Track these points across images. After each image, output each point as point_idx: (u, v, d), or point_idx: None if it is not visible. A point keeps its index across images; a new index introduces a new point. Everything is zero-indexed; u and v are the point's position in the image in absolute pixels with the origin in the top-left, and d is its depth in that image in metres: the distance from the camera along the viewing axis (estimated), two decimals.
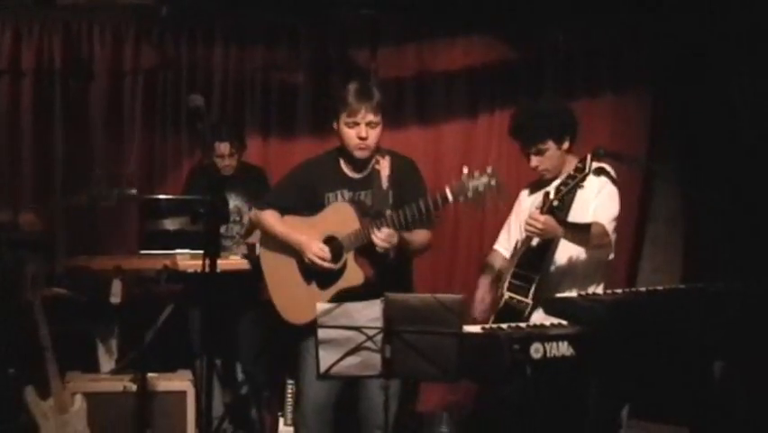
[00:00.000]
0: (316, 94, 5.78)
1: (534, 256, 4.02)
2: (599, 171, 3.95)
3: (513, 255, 4.19)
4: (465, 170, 3.77)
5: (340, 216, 3.99)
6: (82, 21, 5.62)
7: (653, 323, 3.51)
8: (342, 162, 4.11)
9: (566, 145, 4.07)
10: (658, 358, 3.60)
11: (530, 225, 3.82)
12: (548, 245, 4.00)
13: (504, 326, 3.67)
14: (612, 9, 5.66)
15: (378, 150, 4.08)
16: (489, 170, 3.76)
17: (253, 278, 4.52)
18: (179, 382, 4.76)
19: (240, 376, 5.29)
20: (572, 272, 4.02)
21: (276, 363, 5.21)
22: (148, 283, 4.88)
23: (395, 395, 3.79)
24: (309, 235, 4.02)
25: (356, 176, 4.09)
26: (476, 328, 3.67)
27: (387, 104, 4.14)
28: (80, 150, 5.67)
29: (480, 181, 3.74)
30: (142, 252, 5.01)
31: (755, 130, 5.37)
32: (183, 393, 4.72)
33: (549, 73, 5.88)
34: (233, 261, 4.87)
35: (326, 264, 3.97)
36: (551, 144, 4.04)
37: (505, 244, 4.36)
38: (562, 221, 3.85)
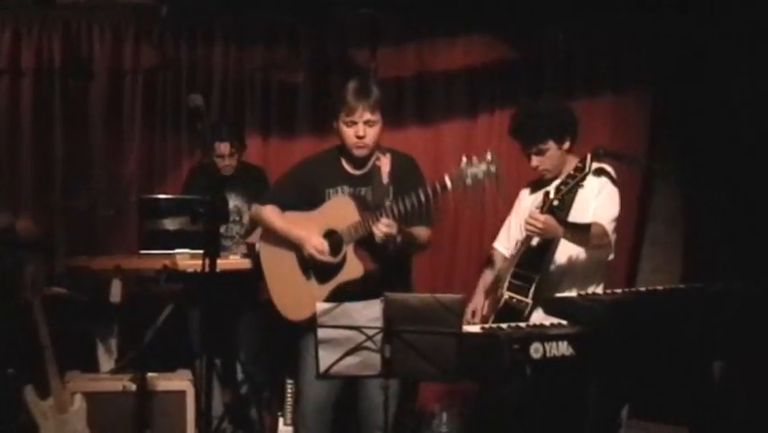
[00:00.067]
0: (316, 93, 5.78)
1: (533, 256, 4.02)
2: (600, 172, 3.95)
3: (513, 255, 4.19)
4: (464, 159, 3.78)
5: (340, 210, 4.00)
6: (82, 20, 5.62)
7: (653, 323, 3.51)
8: (342, 160, 4.12)
9: (567, 145, 4.07)
10: (658, 358, 3.60)
11: (530, 224, 3.82)
12: (548, 245, 4.00)
13: (504, 325, 3.67)
14: (612, 9, 5.67)
15: (378, 148, 4.08)
16: (488, 156, 3.78)
17: (253, 278, 4.52)
18: (179, 382, 4.75)
19: (239, 376, 5.28)
20: (572, 272, 4.02)
21: (275, 363, 5.21)
22: (147, 283, 4.88)
23: (394, 395, 3.79)
24: (309, 230, 4.02)
25: (357, 172, 4.09)
26: (476, 328, 3.68)
27: (386, 103, 4.15)
28: (80, 149, 5.67)
29: (480, 168, 3.76)
30: (142, 251, 5.01)
31: (755, 130, 5.37)
32: (182, 393, 4.71)
33: (549, 73, 5.88)
34: (232, 260, 4.87)
35: (325, 258, 3.97)
36: (551, 144, 4.04)
37: (504, 243, 4.36)
38: (562, 221, 3.85)
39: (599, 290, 4.00)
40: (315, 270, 4.06)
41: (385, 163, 4.03)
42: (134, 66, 5.68)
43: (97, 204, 5.53)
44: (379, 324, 3.33)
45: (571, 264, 4.02)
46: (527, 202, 4.23)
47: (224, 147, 5.17)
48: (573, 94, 5.72)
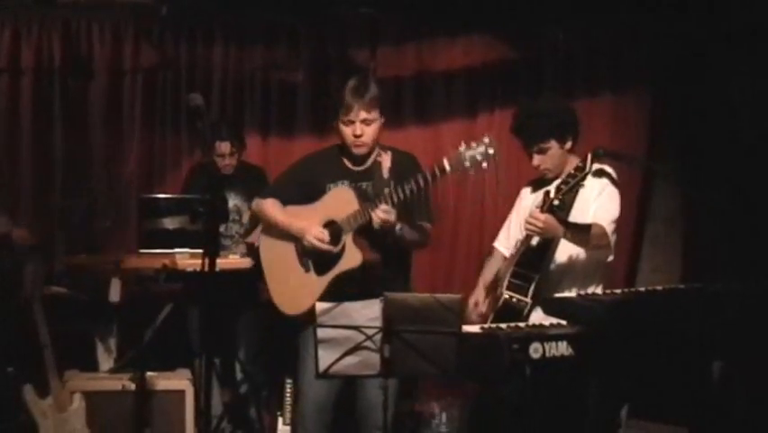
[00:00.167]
0: (316, 93, 5.79)
1: (533, 256, 4.02)
2: (601, 173, 3.95)
3: (512, 254, 4.19)
4: (462, 143, 3.81)
5: (340, 201, 4.00)
6: (81, 19, 5.63)
7: (653, 323, 3.50)
8: (343, 157, 4.13)
9: (569, 145, 4.07)
10: (657, 358, 3.59)
11: (530, 223, 3.81)
12: (548, 245, 4.00)
13: (503, 325, 3.67)
14: (612, 9, 5.67)
15: (379, 146, 4.09)
16: (486, 139, 3.81)
17: (253, 277, 4.52)
18: (178, 381, 4.74)
19: (239, 375, 5.28)
20: (572, 272, 4.02)
21: (275, 363, 5.21)
22: (147, 282, 4.89)
23: (392, 395, 3.78)
24: (310, 222, 4.03)
25: (357, 168, 4.10)
26: (475, 328, 3.67)
27: (386, 103, 4.15)
28: (80, 149, 5.68)
29: (478, 150, 3.79)
30: (142, 251, 5.01)
31: (755, 130, 5.37)
32: (182, 392, 4.71)
33: (549, 73, 5.89)
34: (232, 260, 4.88)
35: (325, 246, 3.97)
36: (553, 144, 4.04)
37: (505, 243, 4.35)
38: (563, 220, 3.84)
39: (599, 290, 3.99)
40: (314, 262, 4.06)
41: (386, 159, 4.04)
42: (134, 65, 5.69)
43: (96, 210, 5.54)
44: (379, 323, 3.33)
45: (571, 264, 4.01)
46: (528, 201, 4.22)
47: (224, 146, 5.18)
48: (573, 94, 5.72)
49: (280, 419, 4.93)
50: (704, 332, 3.59)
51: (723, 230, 5.35)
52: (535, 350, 3.38)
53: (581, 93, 5.82)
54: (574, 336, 3.46)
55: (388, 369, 3.37)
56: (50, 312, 4.55)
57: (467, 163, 3.80)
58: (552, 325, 3.63)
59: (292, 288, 4.10)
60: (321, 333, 3.36)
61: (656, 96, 5.94)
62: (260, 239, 4.28)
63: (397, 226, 3.90)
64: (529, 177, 4.34)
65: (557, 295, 3.87)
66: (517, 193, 4.39)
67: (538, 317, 3.83)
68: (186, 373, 4.85)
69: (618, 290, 3.81)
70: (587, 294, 3.84)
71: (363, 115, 3.98)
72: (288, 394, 4.85)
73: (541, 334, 3.48)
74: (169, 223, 4.98)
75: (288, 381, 4.84)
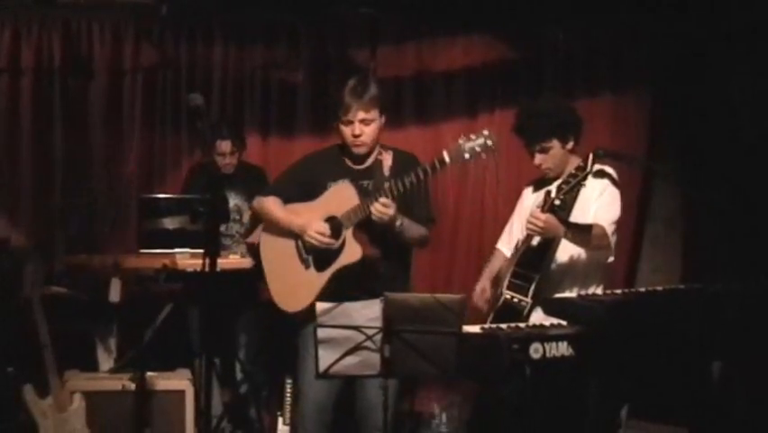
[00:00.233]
0: (316, 93, 5.79)
1: (534, 255, 4.02)
2: (602, 174, 3.95)
3: (513, 254, 4.19)
4: (462, 136, 3.83)
5: (340, 197, 4.00)
6: (81, 19, 5.63)
7: (653, 323, 3.51)
8: (344, 156, 4.13)
9: (570, 145, 4.07)
10: (657, 358, 3.60)
11: (531, 223, 3.82)
12: (549, 245, 4.00)
13: (503, 326, 3.67)
14: (612, 9, 5.67)
15: (380, 146, 4.09)
16: (485, 132, 3.84)
17: (253, 277, 4.51)
18: (178, 382, 4.74)
19: (239, 375, 5.28)
20: (573, 273, 4.02)
21: (275, 363, 5.21)
22: (147, 282, 4.89)
23: (392, 395, 3.78)
24: (310, 218, 4.03)
25: (358, 167, 4.10)
26: (475, 328, 3.67)
27: (386, 102, 4.15)
28: (80, 148, 5.67)
29: (477, 143, 3.81)
30: (142, 251, 5.01)
31: (755, 130, 5.37)
32: (182, 392, 4.71)
33: (549, 73, 5.89)
34: (232, 260, 4.88)
35: (325, 240, 3.97)
36: (555, 143, 4.04)
37: (507, 244, 4.35)
38: (564, 220, 3.84)
39: (599, 290, 3.99)
40: (314, 258, 4.06)
41: (387, 158, 4.04)
42: (134, 65, 5.68)
43: (96, 210, 5.55)
44: (379, 324, 3.33)
45: (572, 265, 4.01)
46: (529, 201, 4.22)
47: (225, 145, 5.18)
48: (573, 94, 5.72)
49: (280, 419, 4.93)
50: (704, 332, 3.60)
51: (723, 230, 5.35)
52: (536, 350, 3.38)
53: (581, 93, 5.81)
54: (574, 336, 3.47)
55: (388, 369, 3.37)
56: (50, 312, 4.55)
57: (467, 155, 3.82)
58: (552, 325, 3.64)
59: (292, 285, 4.10)
60: (321, 333, 3.36)
61: (656, 96, 5.94)
62: (260, 237, 4.29)
63: (398, 222, 3.90)
64: (530, 177, 4.34)
65: (557, 295, 3.88)
66: (518, 193, 4.39)
67: (538, 317, 3.84)
68: (186, 373, 4.85)
69: (618, 291, 3.82)
70: (587, 294, 3.85)
71: (362, 114, 3.98)
72: (288, 394, 4.85)
73: (541, 334, 3.48)
74: (169, 223, 4.98)
75: (288, 381, 4.84)
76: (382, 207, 3.83)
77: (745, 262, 5.08)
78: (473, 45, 5.88)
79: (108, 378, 4.79)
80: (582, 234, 3.87)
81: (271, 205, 4.17)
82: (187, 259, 4.76)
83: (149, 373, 4.65)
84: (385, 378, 3.40)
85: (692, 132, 5.78)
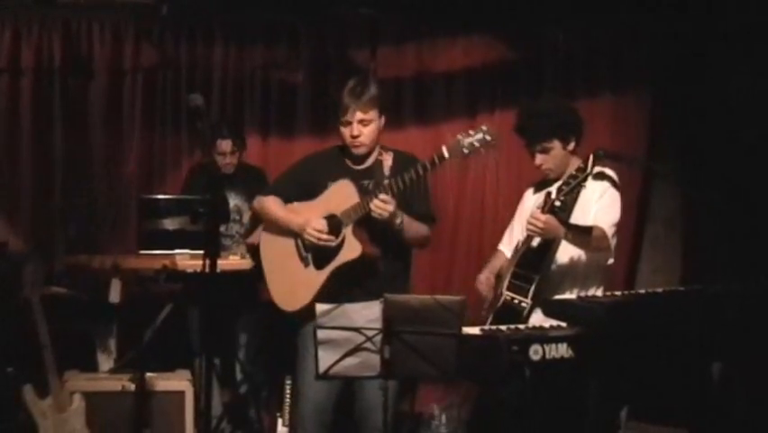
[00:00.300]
0: (316, 93, 5.79)
1: (534, 256, 4.01)
2: (602, 176, 3.95)
3: (513, 255, 4.18)
4: (461, 132, 3.86)
5: (341, 195, 4.00)
6: (82, 19, 5.63)
7: (652, 325, 3.50)
8: (344, 156, 4.13)
9: (572, 146, 4.06)
10: (657, 360, 3.60)
11: (531, 224, 3.81)
12: (549, 246, 3.99)
13: (503, 327, 3.67)
14: (612, 9, 5.67)
15: (381, 147, 4.10)
16: (483, 127, 3.87)
17: (253, 278, 4.51)
18: (178, 382, 4.74)
19: (238, 376, 5.28)
20: (573, 274, 4.01)
21: (274, 363, 5.21)
22: (147, 283, 4.88)
23: (392, 396, 3.78)
24: (309, 216, 4.03)
25: (359, 167, 4.11)
26: (475, 330, 3.67)
27: (386, 103, 4.16)
28: (80, 148, 5.68)
29: (475, 138, 3.84)
30: (141, 251, 5.01)
31: (755, 130, 5.36)
32: (181, 393, 4.71)
33: (549, 73, 5.89)
34: (232, 261, 4.87)
35: (324, 237, 3.97)
36: (556, 143, 4.03)
37: (508, 245, 4.34)
38: (564, 221, 3.84)
39: (599, 292, 3.99)
40: (314, 256, 4.06)
41: (387, 159, 4.05)
42: (134, 65, 5.69)
43: (96, 210, 5.55)
44: (379, 325, 3.33)
45: (572, 266, 4.01)
46: (530, 202, 4.21)
47: (225, 144, 5.18)
48: (573, 94, 5.72)
49: (280, 420, 4.92)
50: (704, 333, 3.60)
51: (723, 231, 5.35)
52: (535, 352, 3.38)
53: (581, 93, 5.82)
54: (574, 337, 3.46)
55: (388, 370, 3.37)
56: (50, 312, 4.55)
57: (465, 150, 3.84)
58: (552, 326, 3.63)
59: (291, 284, 4.10)
60: (321, 334, 3.36)
61: (656, 96, 5.94)
62: (261, 237, 4.29)
63: (397, 219, 3.90)
64: (530, 178, 4.34)
65: (557, 297, 3.87)
66: (518, 194, 4.38)
67: (538, 318, 3.83)
68: (185, 373, 4.85)
69: (618, 292, 3.81)
70: (587, 296, 3.84)
71: (360, 115, 3.99)
72: (287, 395, 4.85)
73: (541, 335, 3.48)
74: (169, 224, 4.98)
75: (288, 382, 4.84)
76: (382, 204, 3.83)
77: (745, 263, 5.08)
78: (473, 46, 5.88)
79: (108, 378, 4.79)
80: (582, 235, 3.87)
81: (271, 204, 4.18)
82: (187, 260, 4.76)
83: (148, 374, 4.64)
84: (385, 379, 3.40)
85: (692, 132, 5.78)
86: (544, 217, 3.78)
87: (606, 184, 3.98)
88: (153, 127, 5.74)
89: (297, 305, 4.02)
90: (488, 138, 3.83)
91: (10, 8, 5.54)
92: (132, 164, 5.70)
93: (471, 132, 3.85)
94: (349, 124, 4.00)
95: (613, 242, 3.98)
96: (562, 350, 3.42)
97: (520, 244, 4.11)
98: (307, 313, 3.74)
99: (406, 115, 5.83)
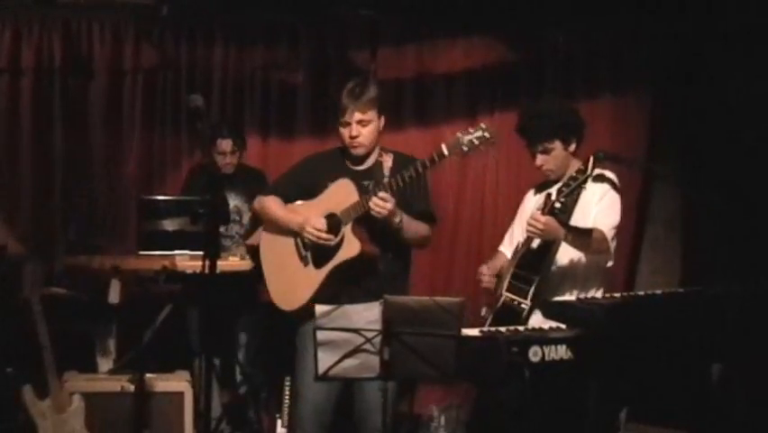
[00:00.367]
0: (316, 94, 5.79)
1: (533, 258, 4.01)
2: (602, 178, 3.94)
3: (513, 256, 4.18)
4: (460, 131, 3.86)
5: (340, 193, 4.01)
6: (82, 19, 5.63)
7: (652, 326, 3.50)
8: (344, 157, 4.14)
9: (572, 147, 4.06)
10: (657, 361, 3.60)
11: (531, 225, 3.81)
12: (548, 247, 3.99)
13: (502, 329, 3.67)
14: (612, 10, 5.67)
15: (381, 148, 4.10)
16: (482, 125, 3.88)
17: (252, 279, 4.51)
18: (177, 383, 4.74)
19: (238, 377, 5.28)
20: (572, 275, 4.01)
21: (274, 364, 5.20)
22: (146, 283, 4.88)
23: (391, 397, 3.78)
24: (309, 215, 4.03)
25: (359, 168, 4.11)
26: (474, 331, 3.66)
27: (386, 104, 4.16)
28: (80, 149, 5.68)
29: (475, 135, 3.84)
30: (141, 252, 5.01)
31: (755, 131, 5.36)
32: (181, 394, 4.70)
33: (549, 74, 5.89)
34: (232, 262, 4.87)
35: (323, 235, 3.97)
36: (557, 144, 4.03)
37: (509, 247, 4.34)
38: (564, 223, 3.84)
39: (599, 293, 3.99)
40: (313, 255, 4.06)
41: (387, 160, 4.05)
42: (134, 66, 5.69)
43: (96, 210, 5.55)
44: (378, 326, 3.33)
45: (572, 267, 4.01)
46: (531, 203, 4.21)
47: (225, 144, 5.19)
48: (573, 95, 5.72)
49: (279, 421, 4.93)
50: (703, 335, 3.60)
51: (722, 232, 5.35)
52: (535, 353, 3.38)
53: (582, 94, 5.82)
54: (573, 339, 3.46)
55: (387, 371, 3.37)
56: (50, 312, 4.55)
57: (465, 148, 3.83)
58: (551, 328, 3.64)
59: (290, 283, 4.10)
60: (320, 335, 3.36)
61: (656, 96, 5.94)
62: (261, 237, 4.29)
63: (397, 217, 3.90)
64: (530, 179, 4.34)
65: (556, 298, 3.87)
66: (518, 195, 4.39)
67: (538, 320, 3.83)
68: (185, 374, 4.84)
69: (618, 294, 3.81)
70: (586, 298, 3.84)
71: (358, 116, 3.99)
72: (286, 396, 4.84)
73: (540, 337, 3.48)
74: (169, 224, 4.99)
75: (287, 382, 4.84)
76: (381, 202, 3.83)
77: (745, 264, 5.08)
78: (473, 47, 5.88)
79: (107, 379, 4.79)
80: (582, 237, 3.87)
81: (271, 204, 4.18)
82: (187, 261, 4.75)
83: (148, 375, 4.65)
84: (384, 380, 3.40)
85: (692, 133, 5.78)
86: (543, 219, 3.78)
87: (606, 186, 3.98)
88: (153, 128, 5.74)
89: (296, 304, 4.03)
90: (487, 136, 3.83)
91: (10, 8, 5.54)
92: (132, 164, 5.70)
93: (471, 129, 3.85)
94: (348, 124, 4.01)
95: (613, 244, 3.98)
96: (562, 351, 3.42)
97: (520, 246, 4.11)
98: (306, 312, 3.74)
99: (407, 116, 5.83)
